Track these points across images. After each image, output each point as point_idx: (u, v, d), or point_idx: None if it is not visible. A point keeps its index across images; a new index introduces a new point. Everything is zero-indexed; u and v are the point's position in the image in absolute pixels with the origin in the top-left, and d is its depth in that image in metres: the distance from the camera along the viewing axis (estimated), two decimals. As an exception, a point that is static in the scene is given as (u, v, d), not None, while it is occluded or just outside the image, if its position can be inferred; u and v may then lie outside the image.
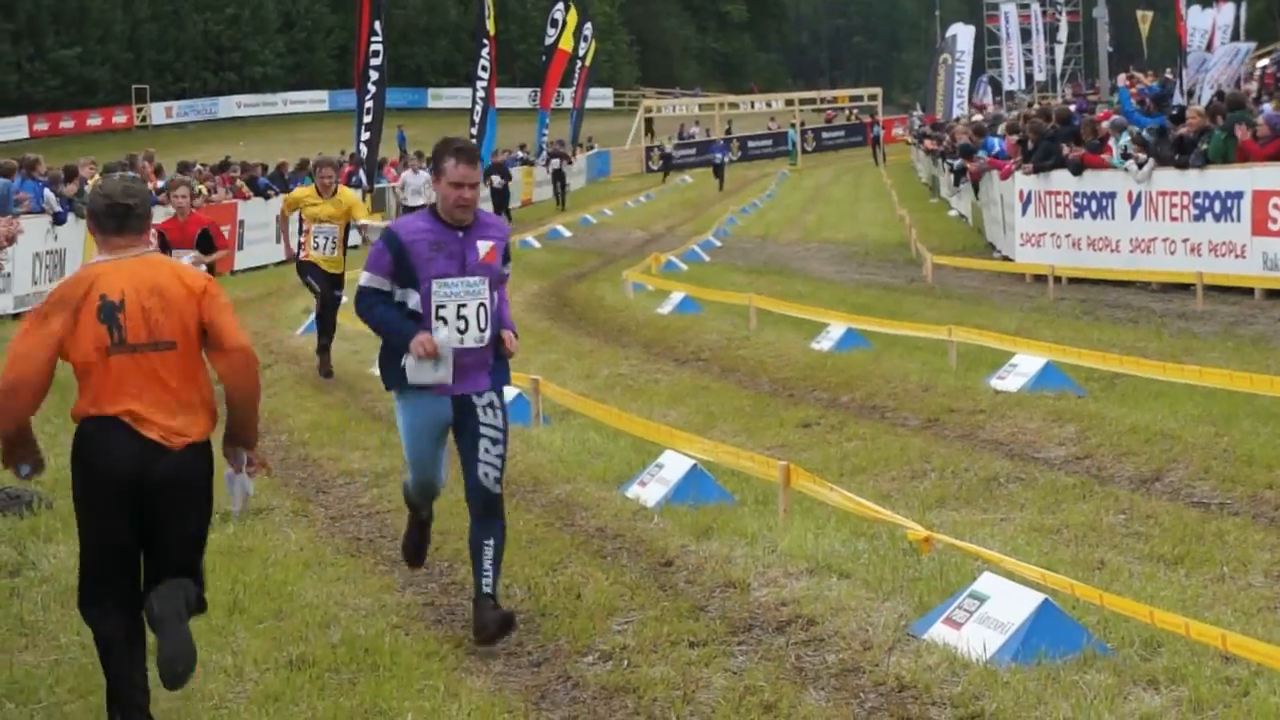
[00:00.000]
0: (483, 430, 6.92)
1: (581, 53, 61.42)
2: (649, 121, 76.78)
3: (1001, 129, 29.20)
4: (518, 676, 6.52)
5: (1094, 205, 21.92)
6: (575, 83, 63.23)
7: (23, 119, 78.16)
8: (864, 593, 7.21)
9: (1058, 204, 22.75)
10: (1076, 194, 22.25)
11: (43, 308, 5.74)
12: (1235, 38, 37.85)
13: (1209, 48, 34.50)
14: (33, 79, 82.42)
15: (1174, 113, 22.15)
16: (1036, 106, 35.13)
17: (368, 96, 36.56)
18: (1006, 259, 24.87)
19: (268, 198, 32.33)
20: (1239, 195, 19.00)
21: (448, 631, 7.15)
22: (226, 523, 9.29)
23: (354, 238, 17.85)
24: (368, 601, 7.58)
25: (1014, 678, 5.96)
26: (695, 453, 9.61)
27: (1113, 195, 21.47)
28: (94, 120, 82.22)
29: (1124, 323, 17.37)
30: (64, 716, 6.11)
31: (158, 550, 5.76)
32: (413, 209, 34.53)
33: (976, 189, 30.76)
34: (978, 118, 39.70)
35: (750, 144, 77.24)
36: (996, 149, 28.07)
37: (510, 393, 12.63)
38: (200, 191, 16.35)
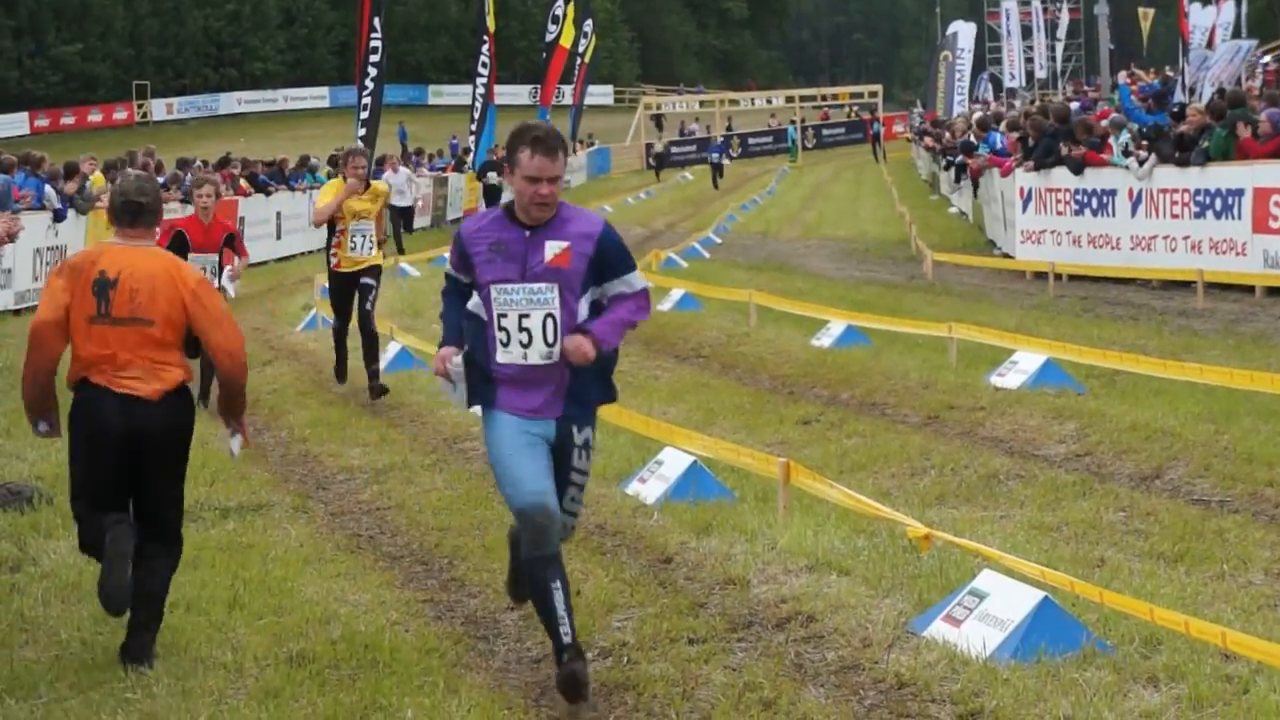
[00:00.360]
0: (574, 478, 6.13)
1: (581, 49, 61.38)
2: (658, 119, 76.67)
3: (1002, 126, 29.19)
4: (517, 673, 6.52)
5: (1094, 202, 21.92)
6: (575, 79, 63.21)
7: (24, 115, 78.16)
8: (863, 590, 7.21)
9: (1058, 201, 22.74)
10: (1077, 191, 22.24)
11: (57, 270, 6.70)
12: (1236, 35, 37.82)
13: (1210, 45, 34.46)
14: (34, 75, 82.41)
15: (1175, 110, 22.14)
16: (1038, 104, 35.12)
17: (366, 93, 36.52)
18: (1007, 256, 24.87)
19: (268, 194, 32.33)
20: (1240, 193, 18.99)
21: (447, 628, 7.15)
22: (226, 519, 9.31)
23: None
24: (367, 598, 7.58)
25: (1014, 675, 5.96)
26: (695, 449, 9.61)
27: (1113, 192, 21.47)
28: (95, 116, 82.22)
29: (1124, 320, 17.37)
30: (64, 712, 6.11)
31: (143, 488, 6.63)
32: (398, 210, 33.77)
33: (977, 186, 30.76)
34: (978, 115, 39.67)
35: (750, 141, 77.21)
36: (998, 145, 28.05)
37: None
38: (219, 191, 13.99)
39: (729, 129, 76.94)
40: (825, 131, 79.90)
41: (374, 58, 38.16)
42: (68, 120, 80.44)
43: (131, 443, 6.51)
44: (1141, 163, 20.66)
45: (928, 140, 48.81)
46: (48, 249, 22.60)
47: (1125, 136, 21.65)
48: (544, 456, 5.98)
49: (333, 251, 13.93)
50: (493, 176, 41.29)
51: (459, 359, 6.11)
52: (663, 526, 8.70)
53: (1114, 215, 21.44)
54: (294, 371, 16.14)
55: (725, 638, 6.75)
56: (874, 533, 8.13)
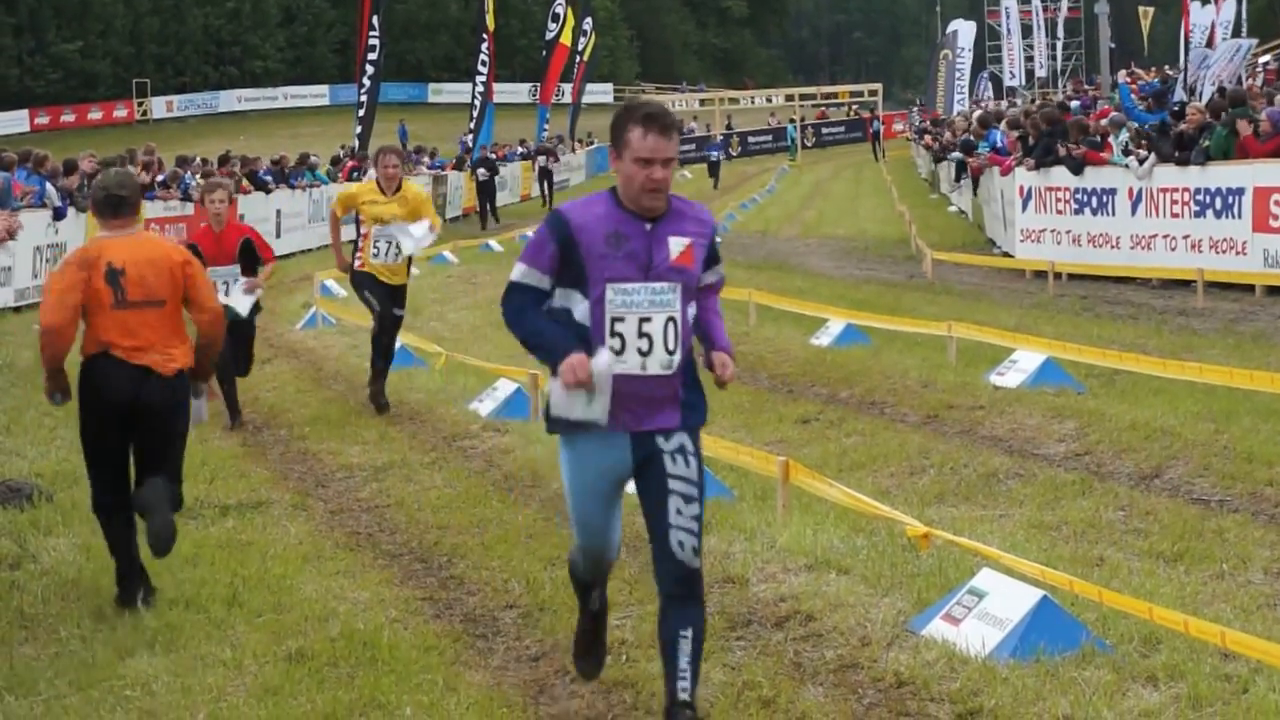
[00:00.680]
0: (672, 485, 5.35)
1: (581, 47, 61.37)
2: None
3: (1002, 124, 29.19)
4: (516, 671, 6.52)
5: (1094, 201, 21.92)
6: (574, 77, 63.21)
7: (24, 113, 78.12)
8: (863, 588, 7.21)
9: (1058, 200, 22.74)
10: (1077, 190, 22.25)
11: (66, 265, 7.38)
12: (1236, 34, 37.82)
13: (1210, 44, 34.45)
14: (34, 73, 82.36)
15: (1175, 109, 22.14)
16: (1038, 103, 35.12)
17: (363, 91, 36.48)
18: (1006, 255, 24.87)
19: (269, 192, 32.33)
20: (1240, 192, 18.99)
21: (446, 626, 7.15)
22: (226, 516, 9.31)
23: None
24: (366, 595, 7.58)
25: (1012, 674, 5.96)
26: (694, 448, 9.59)
27: (1113, 191, 21.47)
28: (95, 114, 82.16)
29: (1124, 319, 17.37)
30: (64, 709, 6.11)
31: (148, 453, 7.37)
32: None
33: (977, 185, 30.76)
34: (978, 113, 39.67)
35: (750, 140, 77.19)
36: (999, 142, 28.05)
37: (509, 387, 12.70)
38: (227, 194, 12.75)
39: (729, 127, 76.91)
40: (825, 130, 79.90)
41: (371, 56, 38.14)
42: (68, 118, 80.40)
43: (135, 412, 7.26)
44: (1141, 162, 20.66)
45: (927, 139, 48.82)
46: (48, 246, 22.59)
47: (1125, 135, 21.65)
48: (615, 503, 5.58)
49: (357, 255, 12.91)
50: (483, 173, 41.13)
51: (605, 358, 5.24)
52: (662, 525, 8.68)
53: (1114, 214, 21.45)
54: (293, 370, 16.14)
55: (724, 636, 6.75)
56: (873, 531, 8.13)
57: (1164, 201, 20.39)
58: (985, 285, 22.25)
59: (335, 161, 39.12)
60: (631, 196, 5.34)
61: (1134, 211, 20.96)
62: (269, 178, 33.05)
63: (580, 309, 5.30)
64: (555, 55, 57.66)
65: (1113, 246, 21.47)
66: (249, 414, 13.10)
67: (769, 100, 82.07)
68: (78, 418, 7.42)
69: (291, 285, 25.63)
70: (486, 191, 41.52)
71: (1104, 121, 23.21)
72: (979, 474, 9.71)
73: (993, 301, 19.74)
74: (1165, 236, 20.39)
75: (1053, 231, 22.90)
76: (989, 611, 6.38)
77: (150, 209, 25.08)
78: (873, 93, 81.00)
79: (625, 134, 5.36)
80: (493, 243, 33.36)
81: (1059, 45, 73.09)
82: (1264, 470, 9.33)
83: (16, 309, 21.60)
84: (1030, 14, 69.64)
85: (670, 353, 5.33)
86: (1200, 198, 19.67)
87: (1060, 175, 22.52)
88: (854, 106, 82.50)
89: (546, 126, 58.09)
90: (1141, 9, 57.26)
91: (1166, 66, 44.68)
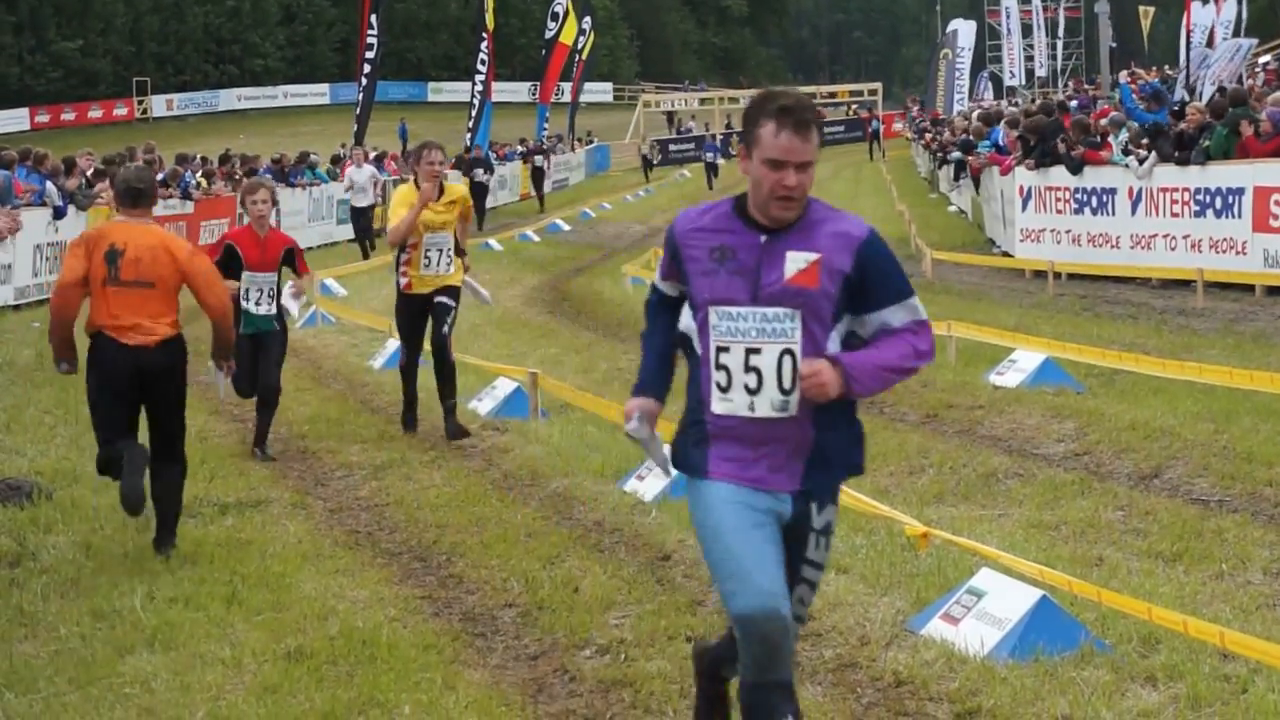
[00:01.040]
0: (805, 573, 4.64)
1: (580, 46, 61.34)
2: (670, 116, 76.40)
3: (1002, 124, 29.19)
4: (515, 669, 6.52)
5: (1094, 201, 21.92)
6: (573, 76, 63.19)
7: (24, 111, 78.09)
8: (861, 588, 7.21)
9: (1058, 199, 22.74)
10: (1077, 190, 22.24)
11: (77, 242, 8.36)
12: (1236, 34, 37.83)
13: (1210, 44, 34.46)
14: (34, 71, 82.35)
15: (1175, 109, 22.15)
16: (1038, 102, 35.10)
17: (361, 89, 36.49)
18: (1006, 254, 24.87)
19: (268, 190, 32.23)
20: (1240, 191, 18.99)
21: (445, 624, 7.15)
22: (225, 514, 9.31)
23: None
24: (365, 594, 7.58)
25: (1011, 674, 5.96)
26: (694, 447, 9.58)
27: (1113, 191, 21.47)
28: (95, 113, 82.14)
29: (1124, 319, 17.37)
30: (63, 707, 6.11)
31: (152, 415, 8.29)
32: (360, 211, 30.98)
33: (977, 184, 30.75)
34: (978, 111, 39.66)
35: (750, 139, 76.93)
36: (1000, 141, 28.04)
37: (508, 386, 12.69)
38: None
39: (728, 127, 76.87)
40: (824, 129, 79.72)
41: (369, 54, 38.13)
42: (68, 116, 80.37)
43: (138, 379, 8.12)
44: (1141, 161, 20.66)
45: (927, 138, 48.83)
46: (48, 245, 22.59)
47: (1125, 135, 21.64)
48: (776, 541, 4.52)
49: (402, 270, 11.52)
50: (479, 173, 40.82)
51: (632, 426, 4.71)
52: (661, 524, 8.70)
53: (1114, 214, 21.45)
54: (293, 368, 16.11)
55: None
56: (872, 531, 8.13)
57: (1164, 201, 20.39)
58: (985, 285, 22.26)
59: (335, 160, 39.05)
60: (759, 204, 4.48)
61: (1134, 211, 20.96)
62: (269, 176, 33.04)
63: (694, 334, 4.63)
64: (555, 54, 57.69)
65: (1113, 246, 21.46)
66: (248, 412, 13.09)
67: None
68: (85, 390, 8.35)
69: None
70: (480, 193, 41.23)
71: (1104, 121, 23.21)
72: (978, 474, 9.71)
73: (992, 301, 19.74)
74: (1165, 236, 20.39)
75: (1052, 231, 22.89)
76: (988, 611, 6.38)
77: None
78: (872, 92, 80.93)
79: (756, 129, 4.46)
80: (492, 241, 33.37)
81: (1059, 45, 73.13)
82: (1263, 470, 9.33)
83: (16, 307, 21.59)
84: (1030, 13, 69.69)
85: (786, 393, 4.46)
86: (1200, 198, 19.66)
87: (1060, 175, 22.52)
88: (853, 106, 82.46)
89: (546, 125, 58.09)
90: (1142, 9, 57.25)
91: (1166, 67, 44.69)
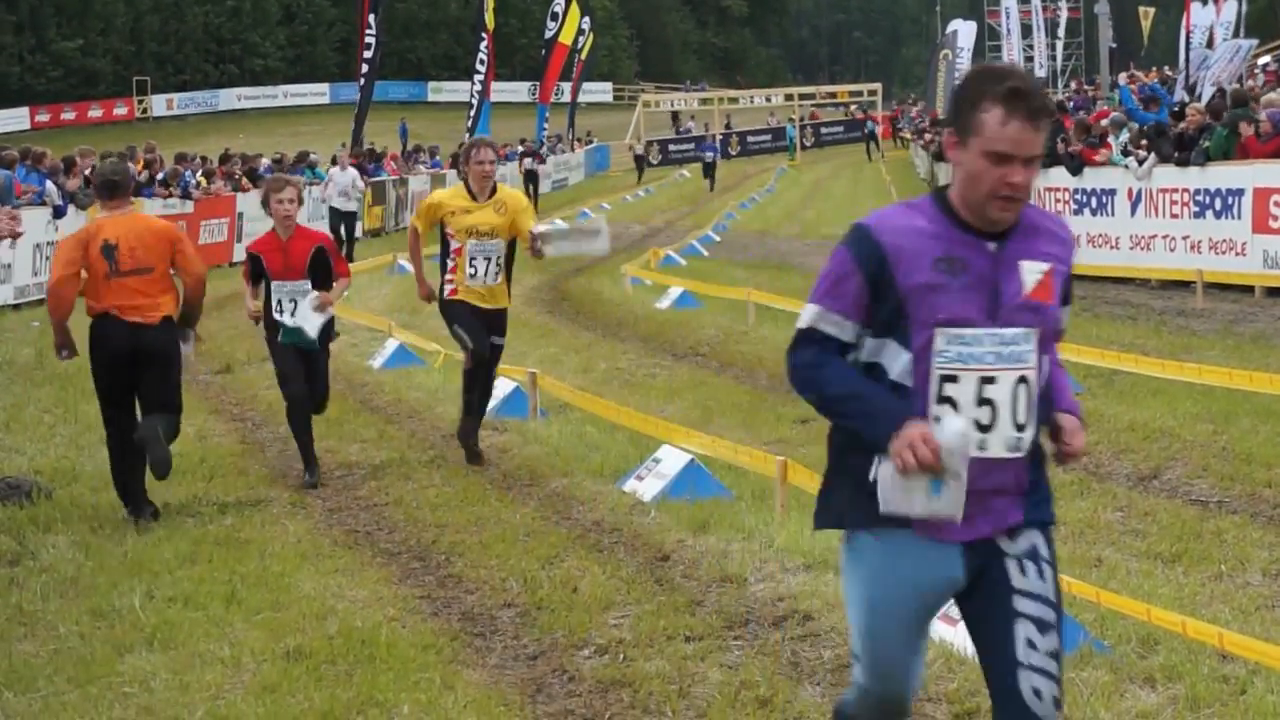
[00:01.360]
0: (1019, 605, 3.90)
1: (579, 46, 61.34)
2: (674, 115, 76.42)
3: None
4: (514, 669, 6.52)
5: (1094, 202, 21.93)
6: (572, 76, 63.19)
7: (24, 110, 78.10)
8: (861, 588, 7.20)
9: (1057, 200, 22.75)
10: (1076, 190, 22.26)
11: (68, 239, 9.03)
12: (1236, 34, 37.83)
13: (1209, 44, 34.47)
14: (34, 71, 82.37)
15: (1175, 109, 22.15)
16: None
17: (358, 90, 36.46)
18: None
19: (268, 190, 32.11)
20: (1240, 192, 19.00)
21: (444, 624, 7.15)
22: (224, 514, 9.31)
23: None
24: (365, 593, 7.58)
25: (1010, 674, 5.94)
26: (692, 447, 9.61)
27: (1113, 192, 21.48)
28: (95, 112, 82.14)
29: (1123, 320, 17.37)
30: (62, 706, 6.11)
31: (148, 392, 8.96)
32: (340, 215, 29.94)
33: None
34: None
35: (749, 139, 77.15)
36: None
37: (508, 386, 12.69)
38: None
39: (728, 127, 76.87)
40: (824, 130, 79.82)
41: (367, 54, 38.12)
42: (68, 116, 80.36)
43: (136, 356, 8.82)
44: (1141, 162, 20.66)
45: (926, 137, 48.84)
46: (48, 244, 22.58)
47: (1125, 136, 21.65)
48: (928, 623, 4.05)
49: (448, 277, 10.55)
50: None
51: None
52: (660, 524, 8.70)
53: (1113, 215, 21.46)
54: (292, 367, 16.10)
55: (722, 635, 6.75)
56: (871, 531, 8.12)
57: (1163, 202, 20.40)
58: (984, 285, 22.22)
59: (335, 160, 38.99)
60: (974, 203, 3.81)
61: (1133, 212, 20.97)
62: (269, 175, 32.96)
63: (899, 364, 3.85)
64: (555, 54, 57.70)
65: (1112, 247, 21.47)
66: (248, 411, 13.11)
67: (768, 100, 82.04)
68: (90, 369, 9.06)
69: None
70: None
71: (1104, 122, 23.22)
72: (977, 474, 9.70)
73: (992, 302, 19.71)
74: (1165, 237, 20.39)
75: (1052, 232, 22.87)
76: (987, 611, 6.36)
77: (149, 207, 25.06)
78: (872, 93, 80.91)
79: (977, 113, 3.75)
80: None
81: (1059, 45, 73.09)
82: (1263, 471, 9.34)
83: (15, 306, 21.59)
84: (1030, 14, 69.63)
85: (1020, 428, 3.89)
86: (1200, 198, 19.67)
87: (1060, 175, 22.53)
88: (853, 106, 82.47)
89: (546, 125, 58.07)
90: (1141, 9, 57.28)
91: (1166, 67, 44.69)
